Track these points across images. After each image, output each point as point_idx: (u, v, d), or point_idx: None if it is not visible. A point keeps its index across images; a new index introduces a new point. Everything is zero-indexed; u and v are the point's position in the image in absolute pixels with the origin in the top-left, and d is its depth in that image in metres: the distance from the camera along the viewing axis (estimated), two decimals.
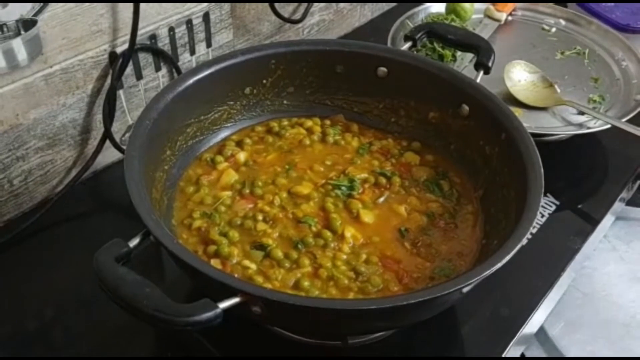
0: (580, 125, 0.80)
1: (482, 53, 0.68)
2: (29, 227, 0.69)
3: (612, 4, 1.02)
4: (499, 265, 0.46)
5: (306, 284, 0.55)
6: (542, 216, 0.74)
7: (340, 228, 0.60)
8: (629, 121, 0.76)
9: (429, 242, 0.60)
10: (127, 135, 0.77)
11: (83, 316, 0.62)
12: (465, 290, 0.45)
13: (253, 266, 0.56)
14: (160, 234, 0.46)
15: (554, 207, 0.75)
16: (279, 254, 0.57)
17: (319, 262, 0.57)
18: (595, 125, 0.79)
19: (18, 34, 0.61)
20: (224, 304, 0.42)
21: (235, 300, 0.43)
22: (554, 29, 0.98)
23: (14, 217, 0.72)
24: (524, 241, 0.68)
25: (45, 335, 0.61)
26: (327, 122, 0.73)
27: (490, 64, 0.67)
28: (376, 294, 0.55)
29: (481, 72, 0.67)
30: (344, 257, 0.58)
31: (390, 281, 0.56)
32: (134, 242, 0.47)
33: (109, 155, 0.77)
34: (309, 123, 0.72)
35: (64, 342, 0.60)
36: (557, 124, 0.81)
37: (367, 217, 0.62)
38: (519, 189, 0.55)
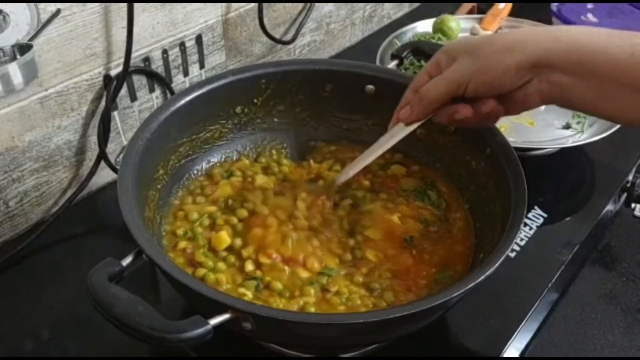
0: (567, 139, 0.82)
1: None
2: (24, 249, 0.70)
3: (596, 20, 1.05)
4: (480, 279, 0.47)
5: (312, 310, 0.55)
6: (531, 229, 0.75)
7: (363, 253, 0.60)
8: (612, 134, 0.78)
9: (430, 249, 0.62)
10: (122, 155, 0.79)
11: (79, 337, 0.63)
12: (447, 304, 0.47)
13: (249, 294, 0.56)
14: (152, 252, 0.47)
15: (541, 220, 0.76)
16: (278, 285, 0.56)
17: (332, 292, 0.57)
18: (581, 139, 0.81)
19: (14, 58, 0.62)
20: (214, 321, 0.43)
21: (225, 316, 0.44)
22: None
23: (10, 238, 0.73)
24: (512, 254, 0.71)
25: (42, 356, 0.61)
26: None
27: None
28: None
29: None
30: (361, 279, 0.58)
31: (400, 292, 0.57)
32: (126, 261, 0.48)
33: (104, 175, 0.78)
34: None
35: None
36: (544, 139, 0.83)
37: (373, 234, 0.63)
38: (503, 204, 0.56)
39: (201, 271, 0.57)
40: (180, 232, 0.62)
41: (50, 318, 0.64)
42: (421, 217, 0.65)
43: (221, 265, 0.58)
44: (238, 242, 0.60)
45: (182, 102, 0.64)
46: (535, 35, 0.50)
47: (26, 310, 0.65)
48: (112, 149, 0.78)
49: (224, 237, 0.60)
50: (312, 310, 0.55)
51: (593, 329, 0.71)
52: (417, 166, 0.71)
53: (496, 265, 0.48)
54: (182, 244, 0.61)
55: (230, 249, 0.60)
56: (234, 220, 0.62)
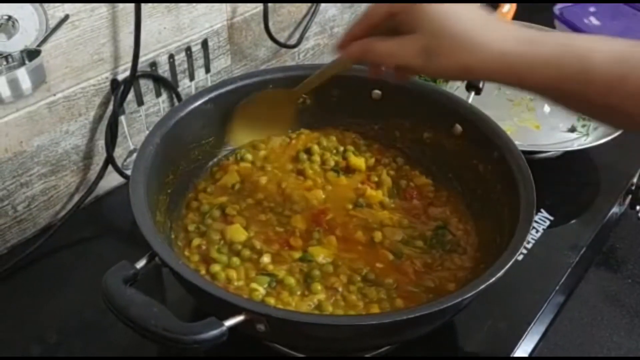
0: (572, 142, 0.82)
1: None
2: (32, 253, 0.70)
3: (598, 23, 1.06)
4: (491, 281, 0.47)
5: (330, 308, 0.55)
6: (537, 231, 0.75)
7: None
8: (617, 137, 0.79)
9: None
10: (129, 160, 0.79)
11: (87, 339, 0.63)
12: (459, 306, 0.47)
13: (261, 289, 0.56)
14: (166, 256, 0.47)
15: (548, 223, 0.76)
16: (291, 281, 0.57)
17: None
18: (586, 142, 0.81)
19: (22, 64, 0.62)
20: (229, 322, 0.44)
21: (239, 318, 0.44)
22: None
23: (18, 242, 0.73)
24: (519, 257, 0.71)
25: (50, 356, 0.61)
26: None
27: (480, 85, 0.69)
28: None
29: (472, 93, 0.70)
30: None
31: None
32: (140, 264, 0.48)
33: (111, 180, 0.79)
34: None
35: None
36: (549, 142, 0.83)
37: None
38: (511, 207, 0.57)
39: (215, 267, 0.58)
40: (191, 227, 0.62)
41: (58, 321, 0.64)
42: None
43: (235, 260, 0.59)
44: (252, 232, 0.61)
45: (191, 107, 0.65)
46: None
47: (34, 313, 0.65)
48: (119, 153, 0.78)
49: (240, 230, 0.61)
50: (331, 308, 0.55)
51: (599, 331, 0.72)
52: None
53: (507, 267, 0.48)
54: (196, 241, 0.61)
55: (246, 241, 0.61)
56: (243, 206, 0.64)
